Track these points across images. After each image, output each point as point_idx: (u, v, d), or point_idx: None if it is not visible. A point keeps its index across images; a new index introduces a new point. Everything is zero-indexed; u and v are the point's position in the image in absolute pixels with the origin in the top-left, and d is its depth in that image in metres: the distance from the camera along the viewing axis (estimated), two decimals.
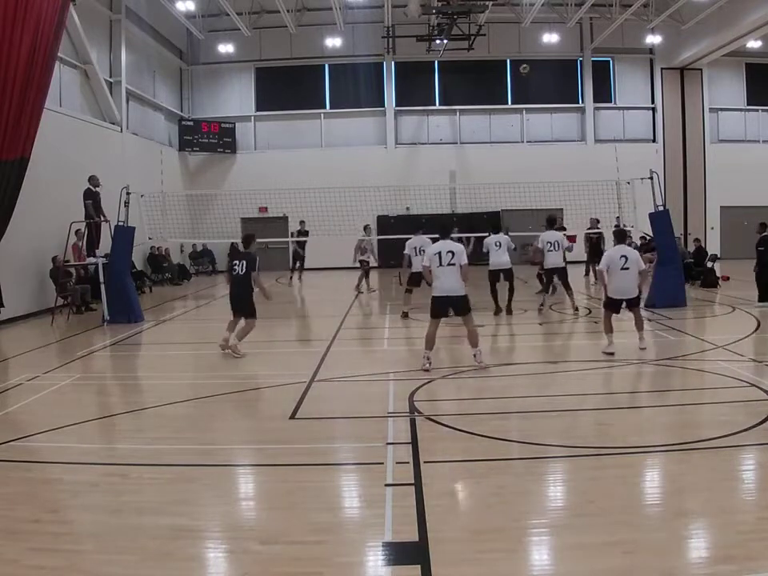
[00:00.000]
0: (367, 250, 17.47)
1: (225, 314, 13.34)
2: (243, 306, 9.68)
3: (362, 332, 12.68)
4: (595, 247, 17.77)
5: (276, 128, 27.63)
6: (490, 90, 27.56)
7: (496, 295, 13.16)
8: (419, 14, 22.27)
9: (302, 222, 20.63)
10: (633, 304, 9.36)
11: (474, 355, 8.42)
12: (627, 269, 9.10)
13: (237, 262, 9.66)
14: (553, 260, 13.10)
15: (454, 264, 8.31)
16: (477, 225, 17.15)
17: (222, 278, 23.10)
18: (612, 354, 8.96)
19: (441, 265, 8.34)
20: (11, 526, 4.26)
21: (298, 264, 21.70)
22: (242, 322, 9.84)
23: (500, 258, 13.06)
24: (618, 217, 16.58)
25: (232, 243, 20.65)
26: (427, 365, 8.36)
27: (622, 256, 9.18)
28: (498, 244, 13.10)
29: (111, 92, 20.25)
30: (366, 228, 17.57)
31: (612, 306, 9.37)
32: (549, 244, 13.00)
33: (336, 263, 20.15)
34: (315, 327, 14.09)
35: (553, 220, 13.92)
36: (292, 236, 21.90)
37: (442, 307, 8.53)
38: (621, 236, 9.67)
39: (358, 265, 17.70)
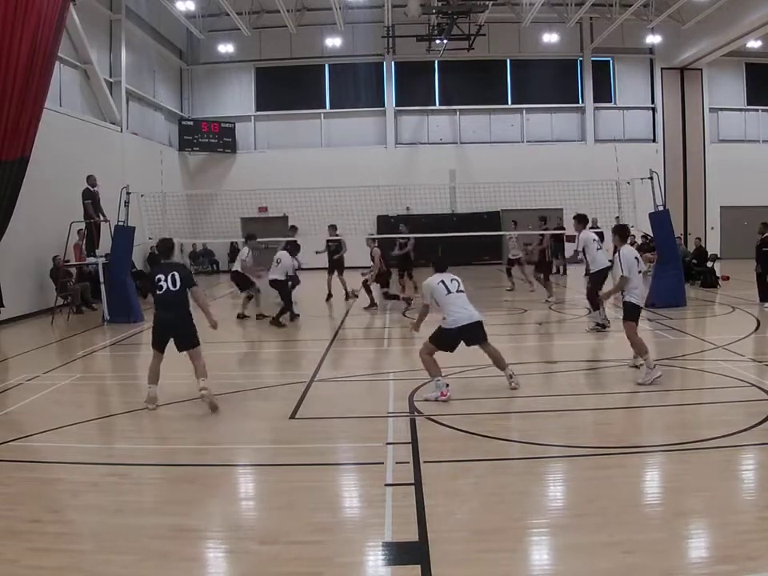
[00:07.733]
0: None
1: (224, 314, 13.34)
2: (187, 336, 7.03)
3: (361, 332, 12.67)
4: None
5: (276, 128, 27.64)
6: (490, 89, 27.56)
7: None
8: (419, 14, 22.29)
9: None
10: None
11: (510, 376, 7.39)
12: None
13: (162, 275, 6.93)
14: None
15: (463, 291, 7.37)
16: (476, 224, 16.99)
17: (222, 277, 23.18)
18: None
19: (450, 292, 7.24)
20: (11, 525, 4.26)
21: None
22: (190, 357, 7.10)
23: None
24: (617, 217, 16.58)
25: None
26: (446, 392, 7.04)
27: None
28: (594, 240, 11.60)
29: (111, 92, 20.24)
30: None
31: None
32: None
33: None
34: (315, 327, 14.07)
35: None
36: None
37: (459, 339, 7.26)
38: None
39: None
